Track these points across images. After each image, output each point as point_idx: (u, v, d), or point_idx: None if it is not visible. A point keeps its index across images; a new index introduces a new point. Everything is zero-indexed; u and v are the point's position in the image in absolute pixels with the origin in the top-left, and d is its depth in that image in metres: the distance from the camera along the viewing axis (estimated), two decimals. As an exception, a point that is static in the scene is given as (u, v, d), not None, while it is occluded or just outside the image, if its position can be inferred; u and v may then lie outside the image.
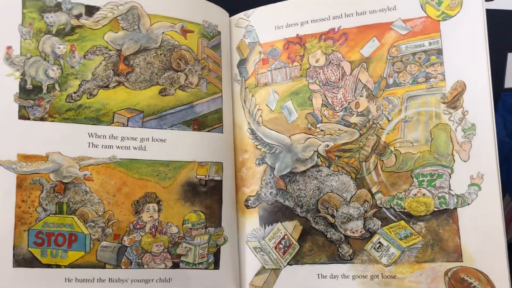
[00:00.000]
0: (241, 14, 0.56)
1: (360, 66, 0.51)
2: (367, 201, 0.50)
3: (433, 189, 0.48)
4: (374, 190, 0.50)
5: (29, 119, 0.47)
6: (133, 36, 0.50)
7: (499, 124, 0.64)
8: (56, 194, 0.47)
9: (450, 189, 0.48)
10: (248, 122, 0.54)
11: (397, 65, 0.50)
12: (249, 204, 0.54)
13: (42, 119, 0.47)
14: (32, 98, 0.47)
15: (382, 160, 0.50)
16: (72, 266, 0.47)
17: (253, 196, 0.54)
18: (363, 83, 0.51)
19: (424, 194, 0.49)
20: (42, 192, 0.46)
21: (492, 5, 0.65)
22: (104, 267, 0.48)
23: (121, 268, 0.48)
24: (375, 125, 0.51)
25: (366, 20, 0.52)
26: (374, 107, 0.51)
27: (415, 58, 0.50)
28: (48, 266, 0.46)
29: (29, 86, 0.47)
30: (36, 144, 0.47)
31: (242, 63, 0.56)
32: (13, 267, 0.45)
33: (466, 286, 0.47)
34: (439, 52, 0.49)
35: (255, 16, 0.55)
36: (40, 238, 0.46)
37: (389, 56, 0.50)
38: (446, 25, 0.49)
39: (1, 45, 0.47)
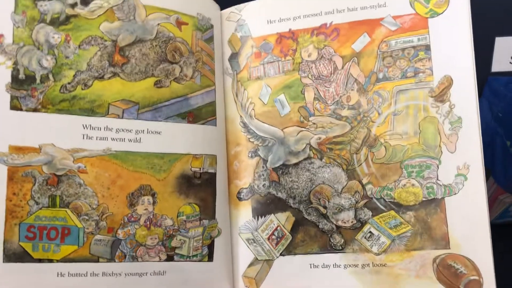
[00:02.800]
0: (232, 8, 0.56)
1: (351, 60, 0.52)
2: (358, 192, 0.52)
3: (422, 179, 0.50)
4: (364, 181, 0.52)
5: (21, 109, 0.45)
6: (128, 27, 0.49)
7: (485, 107, 0.67)
8: (49, 187, 0.46)
9: (437, 179, 0.50)
10: (241, 115, 0.55)
11: (387, 60, 0.52)
12: (241, 197, 0.54)
13: (35, 110, 0.46)
14: (24, 88, 0.46)
15: (373, 152, 0.51)
16: (64, 260, 0.46)
17: (246, 188, 0.54)
18: (354, 77, 0.52)
19: (413, 185, 0.50)
20: (34, 184, 0.45)
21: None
22: (97, 261, 0.47)
23: (114, 261, 0.47)
24: (365, 118, 0.52)
25: (357, 16, 0.53)
26: (364, 100, 0.52)
27: (404, 53, 0.51)
28: (40, 260, 0.45)
29: (21, 76, 0.46)
30: (29, 136, 0.45)
31: (233, 56, 0.56)
32: (3, 262, 0.44)
33: (453, 272, 0.49)
34: (427, 48, 0.50)
35: (247, 10, 0.55)
36: (31, 232, 0.45)
37: (379, 51, 0.52)
38: (434, 22, 0.51)
39: (-8, 33, 0.45)
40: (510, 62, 0.69)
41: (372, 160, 0.52)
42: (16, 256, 0.44)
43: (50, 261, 0.46)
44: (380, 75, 0.52)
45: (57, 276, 0.46)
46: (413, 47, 0.51)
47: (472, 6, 0.50)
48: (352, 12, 0.53)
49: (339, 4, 0.53)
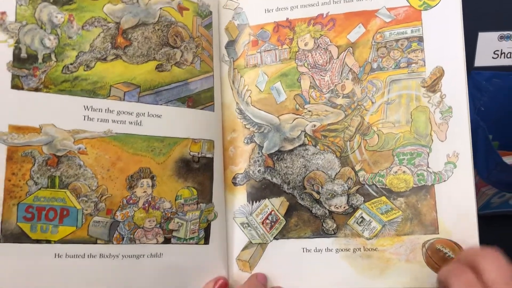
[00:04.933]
0: (230, -4, 0.57)
1: (346, 50, 0.54)
2: (351, 178, 0.53)
3: (413, 166, 0.52)
4: (357, 168, 0.53)
5: (22, 89, 0.45)
6: (132, 10, 0.49)
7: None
8: (49, 168, 0.46)
9: (428, 166, 0.51)
10: (237, 102, 0.55)
11: (381, 50, 0.53)
12: (237, 182, 0.55)
13: (36, 89, 0.45)
14: (26, 68, 0.45)
15: (366, 140, 0.53)
16: (62, 241, 0.46)
17: (241, 173, 0.55)
18: (349, 67, 0.54)
19: (404, 172, 0.52)
20: (34, 165, 0.45)
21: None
22: (95, 243, 0.47)
23: (112, 243, 0.48)
24: (359, 107, 0.53)
25: (353, 7, 0.54)
26: (359, 89, 0.53)
27: (398, 44, 0.53)
28: (38, 241, 0.45)
29: (23, 54, 0.45)
30: (29, 116, 0.45)
31: (230, 44, 0.56)
32: (1, 242, 0.44)
33: (441, 256, 0.50)
34: (420, 39, 0.52)
35: (245, -2, 0.56)
36: (30, 213, 0.45)
37: (374, 42, 0.53)
38: (427, 15, 0.52)
39: (-6, 10, 0.45)
40: (493, 57, 0.72)
41: (365, 148, 0.53)
42: (14, 236, 0.44)
43: (48, 242, 0.45)
44: (374, 65, 0.53)
45: (55, 257, 0.45)
46: (407, 38, 0.53)
47: None
48: (348, 3, 0.54)
49: None
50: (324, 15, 0.55)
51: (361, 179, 0.53)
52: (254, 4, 0.56)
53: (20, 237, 0.45)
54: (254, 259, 0.54)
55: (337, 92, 0.54)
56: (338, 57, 0.54)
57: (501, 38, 0.72)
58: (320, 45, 0.54)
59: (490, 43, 0.72)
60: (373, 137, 0.53)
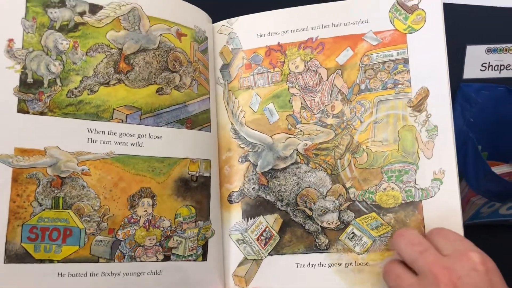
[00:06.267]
0: (224, 22, 0.59)
1: (335, 72, 0.56)
2: (342, 195, 0.55)
3: (401, 183, 0.54)
4: (348, 185, 0.55)
5: (28, 113, 0.46)
6: (133, 36, 0.51)
7: (457, 113, 0.71)
8: (53, 189, 0.47)
9: (415, 183, 0.54)
10: (231, 123, 0.58)
11: (368, 72, 0.56)
12: (232, 199, 0.57)
13: (41, 113, 0.47)
14: (32, 92, 0.47)
15: (355, 158, 0.55)
16: (65, 261, 0.47)
17: (236, 191, 0.57)
18: (338, 88, 0.56)
19: (393, 188, 0.54)
20: (39, 186, 0.46)
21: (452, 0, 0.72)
22: (97, 261, 0.48)
23: (114, 261, 0.49)
24: (349, 126, 0.56)
25: (341, 31, 0.57)
26: (348, 109, 0.56)
27: (385, 66, 0.55)
28: (41, 261, 0.46)
29: (29, 79, 0.47)
30: (35, 138, 0.46)
31: (225, 67, 0.59)
32: (4, 263, 0.45)
33: None
34: (406, 61, 0.55)
35: (238, 24, 0.59)
36: (34, 233, 0.46)
37: (362, 64, 0.56)
38: (411, 38, 0.55)
39: (2, 37, 0.46)
40: (481, 70, 0.74)
41: (354, 165, 0.55)
42: (18, 257, 0.45)
43: (51, 261, 0.47)
44: (362, 86, 0.56)
45: (57, 276, 0.47)
46: (393, 60, 0.55)
47: (445, 15, 0.55)
48: (336, 28, 0.57)
49: (324, 20, 0.57)
50: (314, 39, 0.57)
51: (351, 195, 0.55)
52: (247, 30, 0.59)
53: (23, 258, 0.46)
54: (250, 275, 0.55)
55: (327, 112, 0.56)
56: (327, 79, 0.57)
57: (489, 51, 0.74)
58: (310, 67, 0.57)
59: (478, 56, 0.74)
60: (363, 155, 0.55)
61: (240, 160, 0.57)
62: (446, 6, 0.55)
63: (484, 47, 0.74)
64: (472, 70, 0.74)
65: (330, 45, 0.57)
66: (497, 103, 0.72)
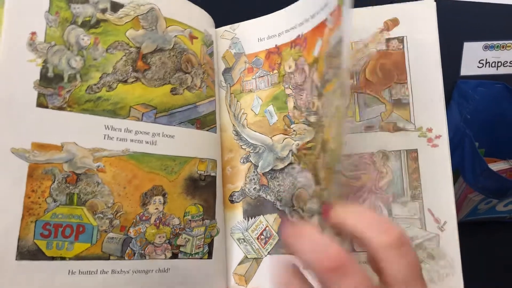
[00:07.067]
0: (226, 27, 0.61)
1: (314, 67, 0.57)
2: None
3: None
4: (323, 186, 0.56)
5: (47, 107, 0.46)
6: (151, 36, 0.52)
7: (454, 110, 0.73)
8: (68, 185, 0.46)
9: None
10: (233, 124, 0.59)
11: (328, 60, 0.53)
12: (233, 199, 0.58)
13: (60, 108, 0.46)
14: (52, 87, 0.46)
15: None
16: (76, 258, 0.46)
17: (238, 191, 0.58)
18: (315, 83, 0.57)
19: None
20: (54, 182, 0.46)
21: (450, -4, 0.72)
22: (108, 259, 0.48)
23: (124, 259, 0.49)
24: (321, 123, 0.56)
25: (316, 22, 0.55)
26: (320, 104, 0.56)
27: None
28: (52, 258, 0.45)
29: (50, 74, 0.46)
30: (52, 133, 0.46)
31: (227, 71, 0.60)
32: (16, 260, 0.44)
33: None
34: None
35: (241, 29, 0.61)
36: (47, 230, 0.45)
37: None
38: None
39: (25, 30, 0.46)
40: (478, 66, 0.75)
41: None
42: (30, 253, 0.44)
43: (63, 259, 0.46)
44: (326, 77, 0.54)
45: (68, 273, 0.46)
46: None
47: (442, 12, 0.55)
48: (314, 19, 0.56)
49: (305, 13, 0.57)
50: (301, 36, 0.58)
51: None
52: (248, 34, 0.61)
53: (35, 254, 0.45)
54: (250, 274, 0.57)
55: (310, 110, 0.58)
56: (309, 75, 0.57)
57: (486, 48, 0.76)
58: (298, 65, 0.59)
59: (475, 52, 0.75)
60: (331, 154, 0.58)
61: (241, 161, 0.59)
62: (444, 3, 0.56)
63: (481, 44, 0.75)
64: (469, 67, 0.75)
65: (310, 39, 0.56)
66: (494, 100, 0.73)
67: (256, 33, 0.61)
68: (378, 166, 0.55)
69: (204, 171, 0.55)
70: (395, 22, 0.57)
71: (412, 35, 0.57)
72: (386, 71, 0.57)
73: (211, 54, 0.59)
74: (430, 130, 0.55)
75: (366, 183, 0.56)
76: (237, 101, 0.60)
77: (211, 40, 0.59)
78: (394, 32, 0.57)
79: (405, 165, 0.55)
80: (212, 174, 0.56)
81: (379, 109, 0.57)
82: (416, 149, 0.55)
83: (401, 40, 0.57)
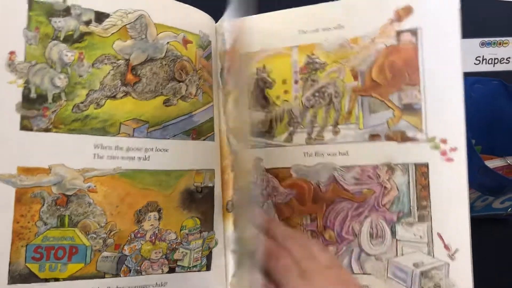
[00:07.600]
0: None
1: None
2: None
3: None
4: None
5: (31, 130, 0.44)
6: (141, 45, 0.49)
7: None
8: (58, 207, 0.45)
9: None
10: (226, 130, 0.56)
11: None
12: (228, 208, 0.56)
13: (46, 130, 0.44)
14: (36, 108, 0.44)
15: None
16: (71, 278, 0.46)
17: (231, 200, 0.56)
18: None
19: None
20: (43, 205, 0.44)
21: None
22: (103, 277, 0.47)
23: (120, 276, 0.48)
24: None
25: None
26: None
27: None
28: (46, 280, 0.45)
29: (33, 95, 0.44)
30: (39, 156, 0.44)
31: (222, 72, 0.57)
32: (8, 284, 0.43)
33: None
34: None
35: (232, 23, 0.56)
36: (39, 253, 0.44)
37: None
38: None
39: (3, 50, 0.43)
40: (475, 63, 0.75)
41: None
42: (22, 277, 0.44)
43: (57, 279, 0.45)
44: None
45: (63, 294, 0.46)
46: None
47: None
48: None
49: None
50: None
51: None
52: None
53: (28, 278, 0.44)
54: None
55: None
56: None
57: (482, 44, 0.75)
58: None
59: (472, 49, 0.75)
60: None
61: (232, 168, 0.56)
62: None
63: (478, 40, 0.75)
64: (466, 63, 0.74)
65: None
66: (491, 97, 0.72)
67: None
68: (382, 181, 0.52)
69: (201, 183, 0.53)
70: (407, 11, 0.52)
71: (428, 27, 0.51)
72: (395, 70, 0.52)
73: (208, 57, 0.55)
74: (444, 141, 0.50)
75: (367, 199, 0.53)
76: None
77: (208, 40, 0.55)
78: (406, 23, 0.52)
79: (413, 181, 0.51)
80: (210, 185, 0.54)
81: (385, 115, 0.52)
82: (427, 163, 0.50)
83: (414, 32, 0.52)
